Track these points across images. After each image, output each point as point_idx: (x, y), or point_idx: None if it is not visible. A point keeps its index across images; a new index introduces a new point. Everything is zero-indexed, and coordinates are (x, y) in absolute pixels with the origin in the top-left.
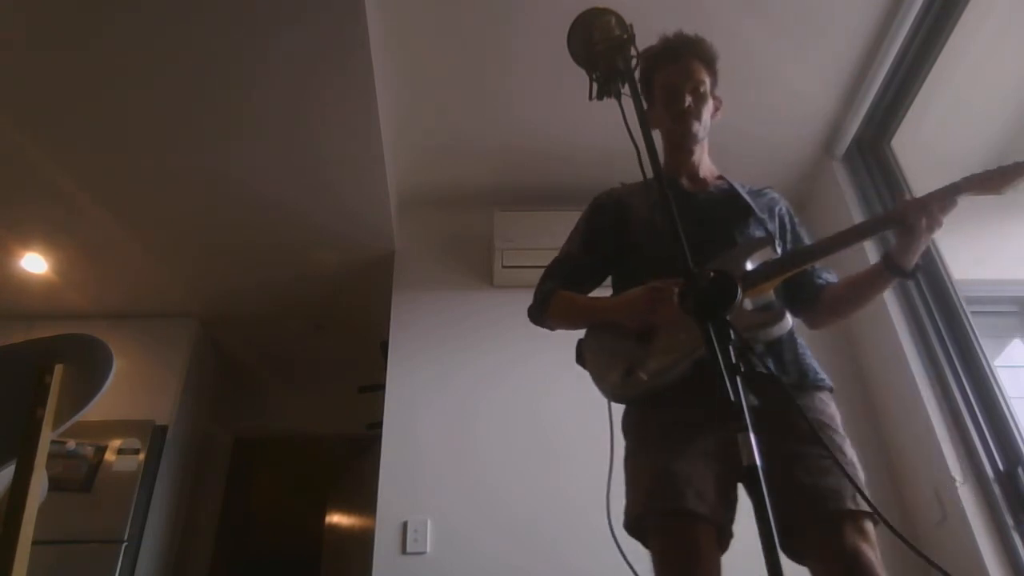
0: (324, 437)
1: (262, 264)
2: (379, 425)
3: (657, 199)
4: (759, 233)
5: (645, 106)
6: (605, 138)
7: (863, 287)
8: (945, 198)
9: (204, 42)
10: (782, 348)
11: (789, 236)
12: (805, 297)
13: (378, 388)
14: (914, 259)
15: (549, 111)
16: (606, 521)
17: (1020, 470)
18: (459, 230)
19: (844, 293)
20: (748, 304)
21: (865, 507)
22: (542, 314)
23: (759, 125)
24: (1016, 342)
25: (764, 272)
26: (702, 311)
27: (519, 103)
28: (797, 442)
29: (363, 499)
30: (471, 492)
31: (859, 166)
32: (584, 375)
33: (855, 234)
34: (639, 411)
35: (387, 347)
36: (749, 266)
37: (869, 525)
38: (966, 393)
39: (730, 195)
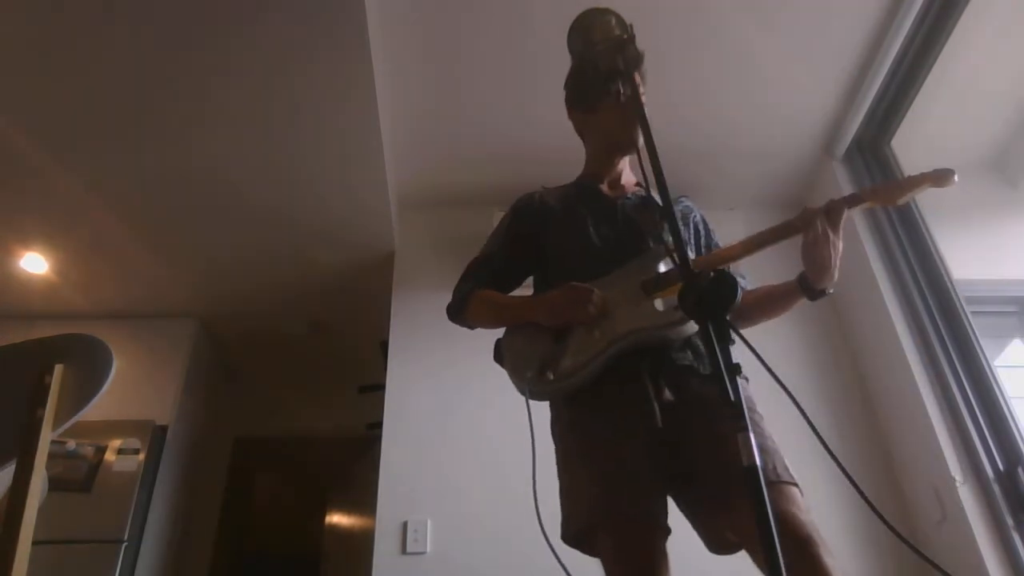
0: (324, 437)
1: (262, 264)
2: (379, 425)
3: (577, 202)
4: (669, 239)
5: (575, 112)
6: None
7: (775, 301)
8: (843, 207)
9: (205, 43)
10: (696, 343)
11: (704, 242)
12: None
13: (378, 388)
14: (826, 277)
15: (550, 111)
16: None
17: (1020, 470)
18: (459, 230)
19: (756, 302)
20: (659, 304)
21: (786, 478)
22: (461, 313)
23: (759, 125)
24: (1016, 342)
25: (675, 275)
26: (702, 310)
27: (519, 103)
28: (714, 422)
29: (363, 499)
30: (471, 492)
31: (859, 166)
32: None
33: (761, 240)
34: (566, 414)
35: (387, 347)
36: (662, 268)
37: (795, 491)
38: (966, 393)
39: (646, 202)
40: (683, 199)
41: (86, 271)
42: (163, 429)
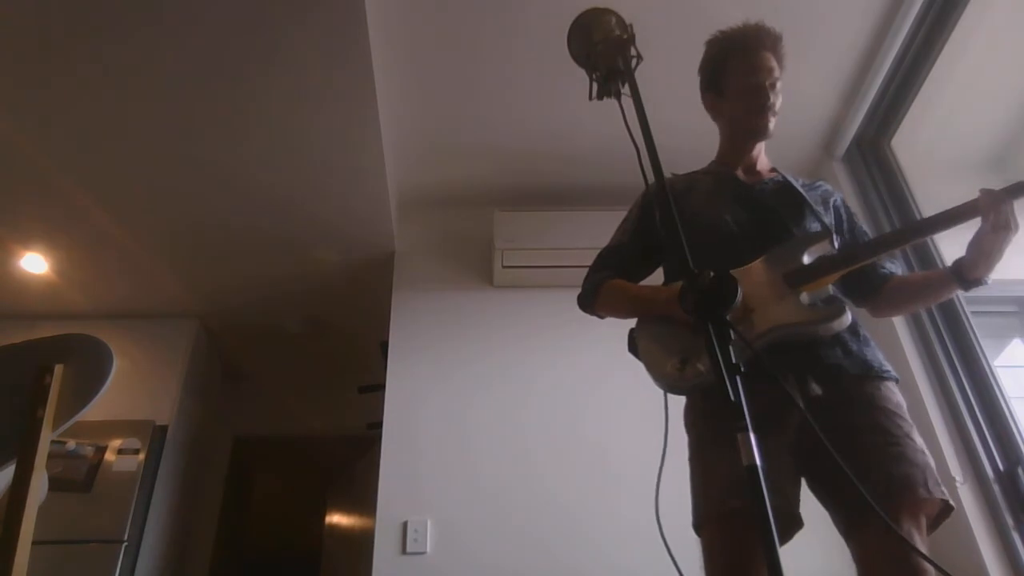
0: (324, 437)
1: (262, 264)
2: (379, 425)
3: (710, 189)
4: (815, 226)
5: (709, 95)
6: (605, 138)
7: (929, 291)
8: (1014, 196)
9: (204, 43)
10: (846, 340)
11: (846, 227)
12: (867, 287)
13: (378, 388)
14: (989, 270)
15: (549, 111)
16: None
17: (1020, 470)
18: (459, 230)
19: (909, 290)
20: (805, 298)
21: (938, 495)
22: (592, 303)
23: None
24: (1016, 342)
25: (822, 267)
26: (702, 311)
27: (519, 103)
28: (864, 430)
29: (363, 499)
30: (471, 492)
31: (859, 166)
32: (583, 375)
33: (917, 231)
34: (702, 405)
35: (387, 347)
36: (806, 259)
37: (923, 519)
38: (966, 393)
39: (785, 187)
40: (821, 183)
41: (86, 271)
42: (163, 429)
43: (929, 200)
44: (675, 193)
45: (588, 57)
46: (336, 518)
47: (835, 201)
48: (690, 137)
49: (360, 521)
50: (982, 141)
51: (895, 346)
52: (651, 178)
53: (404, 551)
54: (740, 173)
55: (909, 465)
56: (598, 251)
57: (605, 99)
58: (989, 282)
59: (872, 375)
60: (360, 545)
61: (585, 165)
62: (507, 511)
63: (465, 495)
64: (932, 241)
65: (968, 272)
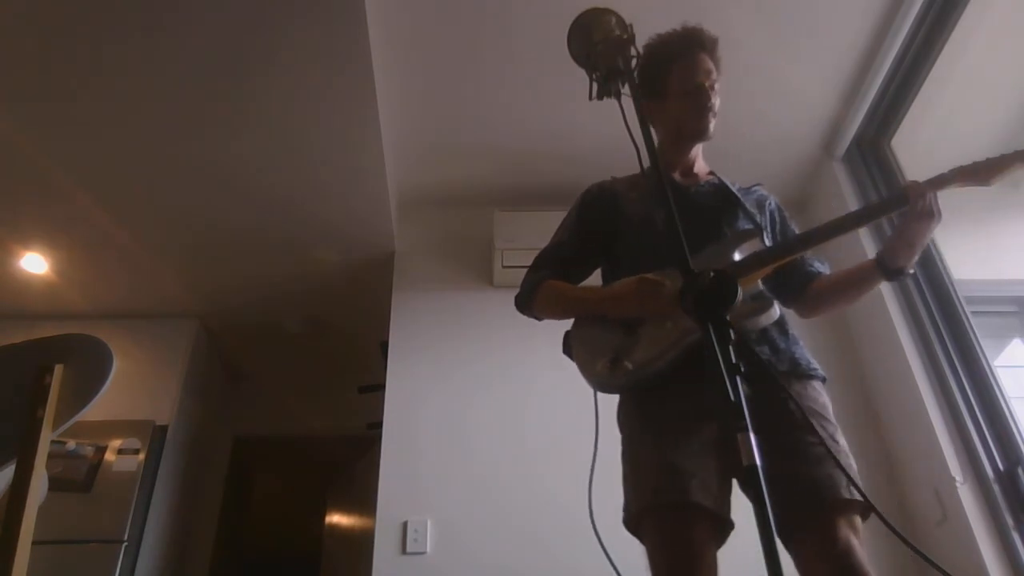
0: (324, 437)
1: (262, 265)
2: (379, 425)
3: (649, 192)
4: (747, 226)
5: (646, 100)
6: (605, 138)
7: (853, 284)
8: (937, 188)
9: (204, 43)
10: (774, 337)
11: (779, 229)
12: (795, 286)
13: (378, 388)
14: (912, 258)
15: (549, 111)
16: (595, 518)
17: (1020, 470)
18: (459, 230)
19: (834, 287)
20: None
21: (858, 497)
22: (530, 303)
23: (759, 125)
24: (1016, 342)
25: (751, 261)
26: (702, 311)
27: (519, 103)
28: (790, 431)
29: (363, 499)
30: (471, 492)
31: (859, 166)
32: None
33: (844, 224)
34: (634, 404)
35: (387, 347)
36: (737, 257)
37: (858, 519)
38: (966, 393)
39: (720, 190)
40: (757, 187)
41: (86, 271)
42: (163, 429)
43: None
44: (614, 195)
45: (588, 57)
46: (336, 518)
47: (770, 205)
48: None
49: (360, 521)
50: (982, 141)
51: (895, 346)
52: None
53: (404, 551)
54: (677, 175)
55: (832, 467)
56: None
57: (605, 99)
58: (912, 271)
59: (799, 373)
60: (360, 545)
61: (585, 165)
62: (507, 511)
63: (465, 495)
64: (931, 239)
65: (891, 261)
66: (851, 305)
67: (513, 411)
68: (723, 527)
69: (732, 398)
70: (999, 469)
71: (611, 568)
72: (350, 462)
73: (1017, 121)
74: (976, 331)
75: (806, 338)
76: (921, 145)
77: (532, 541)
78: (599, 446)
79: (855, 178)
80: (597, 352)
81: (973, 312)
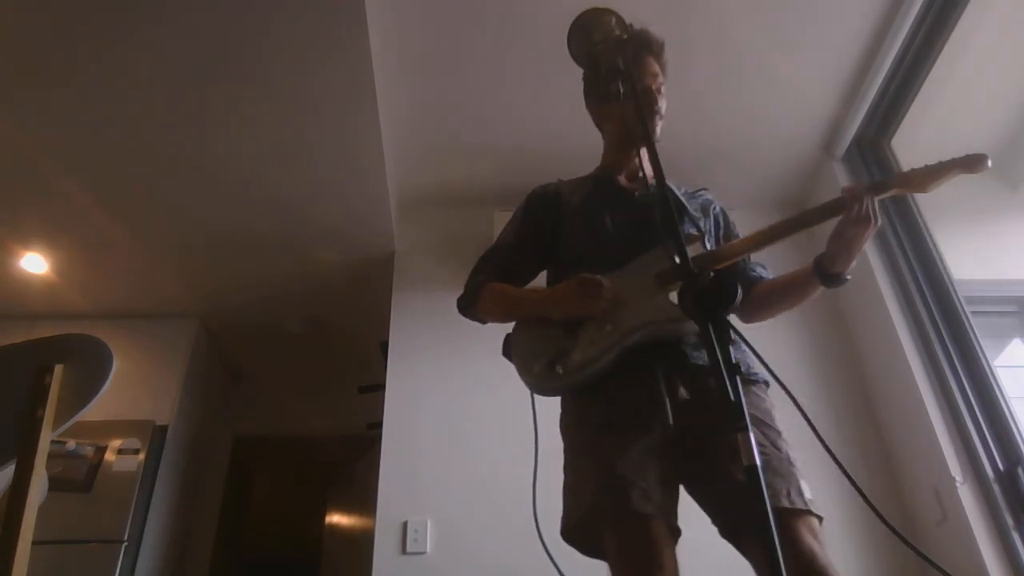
0: (324, 437)
1: (262, 265)
2: (379, 425)
3: (592, 195)
4: (691, 230)
5: (594, 103)
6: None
7: (794, 290)
8: (876, 193)
9: (204, 43)
10: None
11: (723, 234)
12: None
13: (378, 388)
14: (848, 263)
15: (549, 111)
16: (543, 524)
17: (1020, 470)
18: (459, 230)
19: (774, 292)
20: (675, 297)
21: (799, 505)
22: (471, 306)
23: (759, 125)
24: (1016, 342)
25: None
26: (701, 311)
27: (519, 103)
28: (728, 437)
29: (363, 499)
30: (471, 492)
31: (859, 166)
32: None
33: (784, 229)
34: (574, 409)
35: (387, 347)
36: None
37: (814, 520)
38: (966, 393)
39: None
40: (703, 192)
41: (86, 271)
42: (163, 429)
43: (929, 200)
44: (558, 197)
45: (588, 57)
46: (336, 518)
47: (714, 209)
48: (691, 137)
49: (360, 521)
50: (982, 141)
51: (895, 346)
52: (651, 178)
53: (404, 551)
54: (623, 179)
55: (772, 474)
56: None
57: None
58: (849, 278)
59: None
60: (360, 545)
61: (585, 165)
62: (507, 511)
63: (465, 495)
64: (931, 239)
65: (829, 266)
66: (792, 310)
67: (513, 411)
68: (671, 533)
69: (732, 398)
70: (999, 469)
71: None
72: (350, 462)
73: (1017, 121)
74: (976, 331)
75: (805, 338)
76: (921, 145)
77: (532, 541)
78: (538, 451)
79: (855, 178)
80: (535, 354)
81: (973, 312)
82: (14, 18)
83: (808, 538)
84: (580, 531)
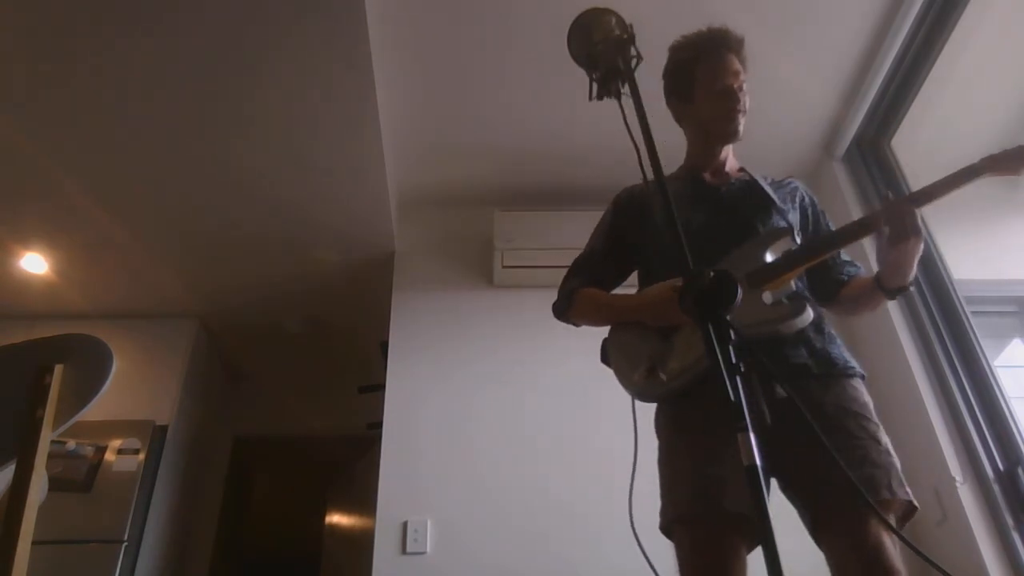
0: (324, 437)
1: (262, 264)
2: (379, 425)
3: (680, 194)
4: (780, 223)
5: (674, 101)
6: (605, 138)
7: (866, 298)
8: (917, 203)
9: (204, 43)
10: (811, 337)
11: (811, 224)
12: (827, 290)
13: (378, 388)
14: (908, 276)
15: (549, 111)
16: (626, 520)
17: (1020, 470)
18: (459, 230)
19: (853, 297)
20: (768, 297)
21: (902, 496)
22: (566, 312)
23: (759, 125)
24: (1016, 342)
25: (783, 264)
26: (701, 311)
27: (519, 103)
28: (828, 431)
29: (363, 499)
30: (471, 492)
31: (859, 166)
32: (583, 375)
33: (874, 222)
34: (670, 411)
35: (387, 347)
36: (769, 257)
37: (892, 519)
38: (966, 393)
39: (751, 187)
40: (791, 180)
41: (86, 271)
42: (163, 429)
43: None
44: (644, 200)
45: (588, 57)
46: (336, 518)
47: (803, 199)
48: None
49: (360, 521)
50: (982, 141)
51: (895, 346)
52: (652, 178)
53: (404, 551)
54: (707, 176)
55: (871, 466)
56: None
57: (605, 99)
58: (911, 284)
59: (836, 373)
60: (360, 545)
61: (585, 165)
62: (507, 511)
63: (465, 495)
64: (931, 239)
65: (887, 282)
66: (871, 312)
67: (513, 411)
68: (749, 536)
69: (732, 398)
70: (999, 469)
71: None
72: (350, 462)
73: (1017, 121)
74: (976, 331)
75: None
76: (921, 145)
77: (532, 541)
78: (638, 453)
79: (855, 178)
80: (633, 361)
81: (973, 312)
82: (14, 18)
83: (878, 532)
84: (669, 528)
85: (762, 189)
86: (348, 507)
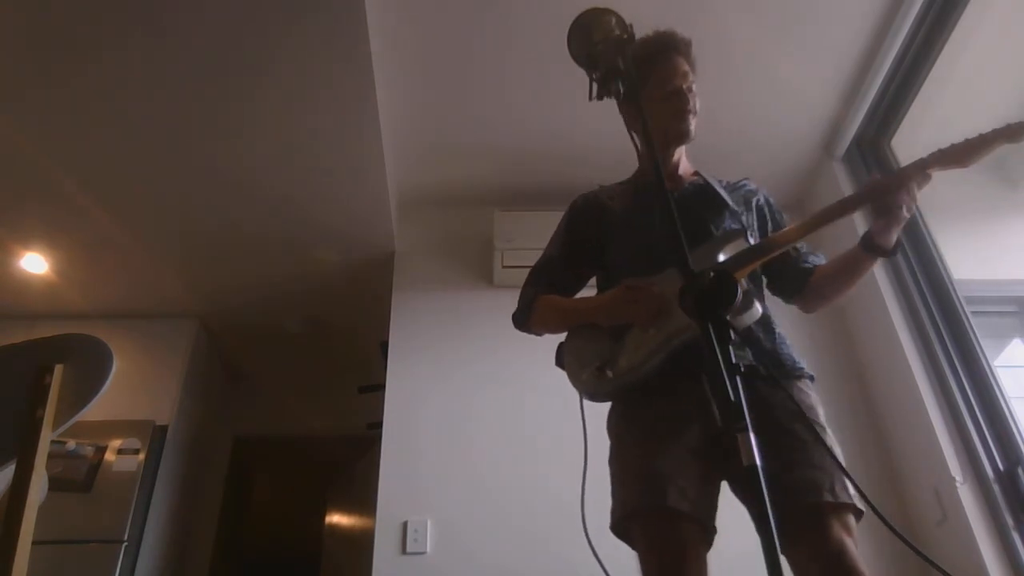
0: (324, 437)
1: (262, 264)
2: (379, 425)
3: (635, 198)
4: (734, 226)
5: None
6: (605, 138)
7: (846, 270)
8: (917, 173)
9: (204, 44)
10: (759, 337)
11: (770, 225)
12: (794, 283)
13: (378, 388)
14: (894, 237)
15: (549, 111)
16: (595, 522)
17: (1020, 470)
18: (459, 230)
19: (829, 276)
20: None
21: (844, 499)
22: (526, 321)
23: (759, 125)
24: (1016, 342)
25: (734, 261)
26: (701, 311)
27: (519, 103)
28: (775, 434)
29: (363, 499)
30: (471, 492)
31: (859, 166)
32: None
33: (825, 216)
34: (621, 408)
35: (387, 347)
36: (721, 257)
37: (851, 519)
38: (966, 393)
39: (705, 189)
40: (745, 182)
41: (86, 271)
42: (163, 429)
43: (929, 200)
44: (600, 204)
45: (588, 57)
46: (336, 518)
47: (758, 200)
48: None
49: (360, 521)
50: None
51: (895, 346)
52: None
53: (404, 551)
54: None
55: (814, 469)
56: None
57: (605, 99)
58: (897, 247)
59: (784, 374)
60: (360, 545)
61: (585, 165)
62: (507, 511)
63: (465, 495)
64: (931, 239)
65: (885, 242)
66: (850, 292)
67: (513, 411)
68: (705, 532)
69: (732, 398)
70: (999, 469)
71: (610, 569)
72: (350, 462)
73: (1017, 121)
74: (976, 331)
75: (805, 339)
76: (921, 145)
77: (532, 541)
78: (590, 451)
79: (855, 178)
80: (584, 361)
81: (973, 312)
82: (15, 19)
83: (840, 534)
84: (624, 527)
85: (716, 192)
86: (348, 507)
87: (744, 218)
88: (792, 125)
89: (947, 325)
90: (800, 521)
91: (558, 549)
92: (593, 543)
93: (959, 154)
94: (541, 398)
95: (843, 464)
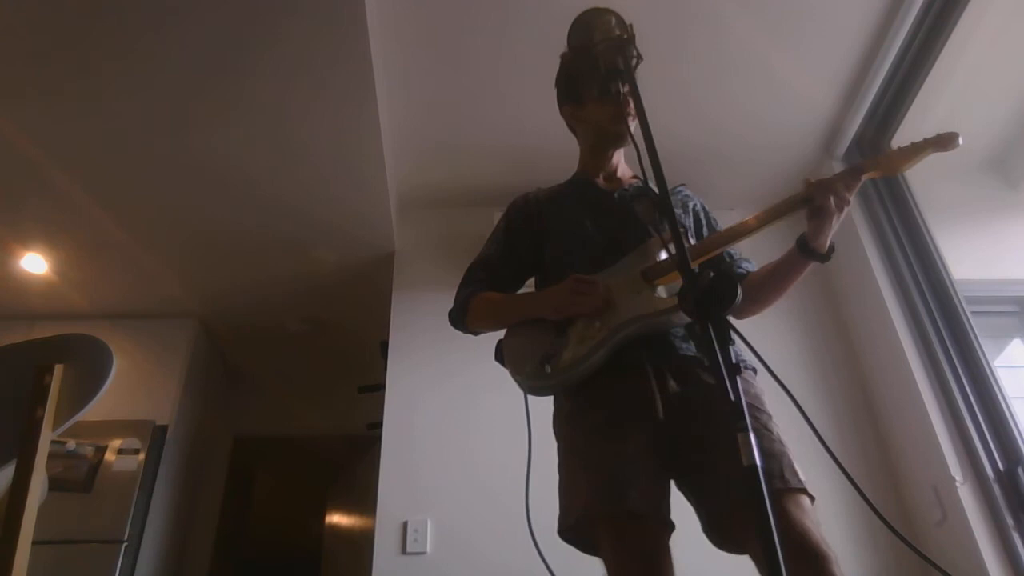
0: (324, 437)
1: (262, 265)
2: (379, 425)
3: (574, 199)
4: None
5: (565, 105)
6: None
7: (781, 274)
8: (849, 178)
9: (204, 44)
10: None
11: (705, 230)
12: None
13: (378, 388)
14: (827, 241)
15: (549, 111)
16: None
17: (1020, 470)
18: (459, 230)
19: (762, 281)
20: (662, 291)
21: (795, 484)
22: (463, 319)
23: (759, 126)
24: (1016, 342)
25: (669, 262)
26: (701, 312)
27: (519, 103)
28: (720, 423)
29: (363, 499)
30: (471, 492)
31: None
32: None
33: (762, 219)
34: (567, 409)
35: (387, 347)
36: (663, 256)
37: (806, 500)
38: (966, 393)
39: (644, 192)
40: (681, 188)
41: (86, 271)
42: (163, 429)
43: (930, 200)
44: (539, 205)
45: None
46: (336, 518)
47: (694, 206)
48: (690, 137)
49: (360, 521)
50: (982, 141)
51: (895, 346)
52: (651, 178)
53: (404, 551)
54: (600, 181)
55: (763, 455)
56: None
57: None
58: (835, 249)
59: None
60: (360, 545)
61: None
62: (507, 511)
63: (465, 495)
64: (931, 239)
65: (819, 245)
66: (779, 299)
67: (513, 411)
68: (667, 530)
69: (732, 398)
70: (999, 469)
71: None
72: (350, 462)
73: (1017, 121)
74: (976, 331)
75: (805, 339)
76: None
77: (531, 541)
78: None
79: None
80: (526, 355)
81: (973, 312)
82: (13, 19)
83: (800, 516)
84: (577, 531)
85: (655, 194)
86: (348, 507)
87: (682, 220)
88: (792, 125)
89: (947, 325)
90: (751, 512)
91: (558, 549)
92: (540, 544)
93: (892, 161)
94: (540, 398)
95: (790, 448)
